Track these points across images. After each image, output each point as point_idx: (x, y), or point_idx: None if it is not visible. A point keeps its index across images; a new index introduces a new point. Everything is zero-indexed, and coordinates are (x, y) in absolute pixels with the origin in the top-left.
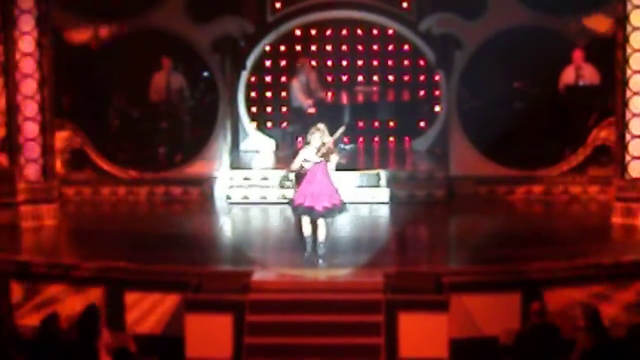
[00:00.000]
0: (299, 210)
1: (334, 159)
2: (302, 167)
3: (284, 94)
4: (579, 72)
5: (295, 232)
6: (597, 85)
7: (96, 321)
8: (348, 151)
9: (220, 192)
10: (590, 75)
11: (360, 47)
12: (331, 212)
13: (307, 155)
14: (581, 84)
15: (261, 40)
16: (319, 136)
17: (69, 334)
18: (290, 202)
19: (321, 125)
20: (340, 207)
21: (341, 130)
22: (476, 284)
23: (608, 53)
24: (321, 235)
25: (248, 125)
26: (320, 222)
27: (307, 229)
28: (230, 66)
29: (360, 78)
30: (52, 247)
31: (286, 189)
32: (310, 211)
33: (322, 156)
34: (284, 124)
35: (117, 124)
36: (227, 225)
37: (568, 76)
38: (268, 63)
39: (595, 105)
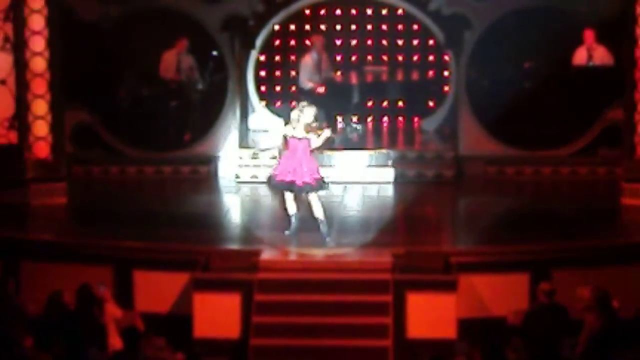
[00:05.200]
0: (280, 185)
1: (325, 134)
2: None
3: (293, 73)
4: (590, 53)
5: (280, 210)
6: (610, 66)
7: (91, 300)
8: (358, 130)
9: (229, 171)
10: (602, 56)
11: (369, 27)
12: (312, 187)
13: (288, 132)
14: (591, 65)
15: (271, 19)
16: (311, 113)
17: (75, 312)
18: (271, 178)
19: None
20: (321, 183)
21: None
22: (484, 264)
23: (621, 33)
24: (318, 213)
25: (257, 104)
26: (314, 199)
27: (291, 207)
28: (239, 45)
29: (369, 58)
30: (61, 226)
31: (258, 159)
32: (292, 186)
33: (309, 132)
34: (293, 103)
35: (127, 103)
36: (235, 204)
37: (580, 57)
38: (277, 42)
39: (607, 87)
